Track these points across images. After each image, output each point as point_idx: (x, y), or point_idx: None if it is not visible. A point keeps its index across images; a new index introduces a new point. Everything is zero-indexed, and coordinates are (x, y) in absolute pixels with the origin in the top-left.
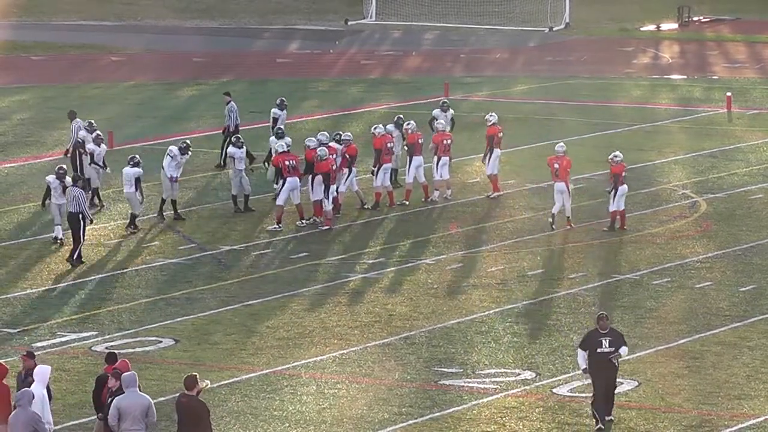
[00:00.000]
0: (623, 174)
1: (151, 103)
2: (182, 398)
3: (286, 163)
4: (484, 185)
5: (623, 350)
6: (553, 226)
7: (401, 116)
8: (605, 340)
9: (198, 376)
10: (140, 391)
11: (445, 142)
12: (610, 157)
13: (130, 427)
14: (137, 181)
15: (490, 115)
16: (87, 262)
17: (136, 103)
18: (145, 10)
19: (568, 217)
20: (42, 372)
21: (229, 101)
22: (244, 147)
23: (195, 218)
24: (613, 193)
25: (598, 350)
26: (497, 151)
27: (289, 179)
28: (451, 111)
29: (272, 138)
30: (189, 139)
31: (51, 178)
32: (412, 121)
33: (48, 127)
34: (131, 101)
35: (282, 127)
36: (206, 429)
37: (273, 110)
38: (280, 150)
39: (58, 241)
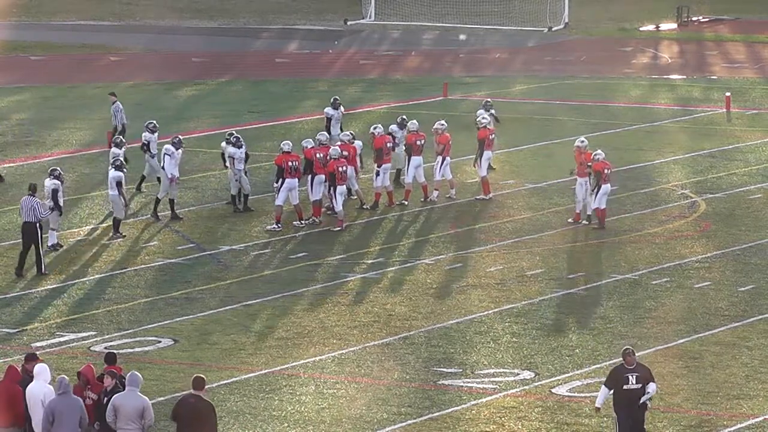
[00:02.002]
0: (605, 171)
1: (150, 103)
2: (190, 398)
3: (289, 164)
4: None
5: (651, 387)
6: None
7: (404, 116)
8: (632, 376)
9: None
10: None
11: (450, 142)
12: (592, 155)
13: (124, 426)
14: (118, 185)
15: (482, 118)
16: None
17: (135, 103)
18: (145, 10)
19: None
20: (43, 370)
21: (115, 101)
22: (244, 147)
23: (194, 218)
24: (596, 190)
25: (624, 387)
26: (488, 153)
27: (288, 179)
28: (493, 110)
29: (223, 143)
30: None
31: (51, 181)
32: (414, 121)
33: (47, 127)
34: (131, 101)
35: (235, 133)
36: (212, 429)
37: (326, 109)
38: (286, 149)
39: (55, 247)
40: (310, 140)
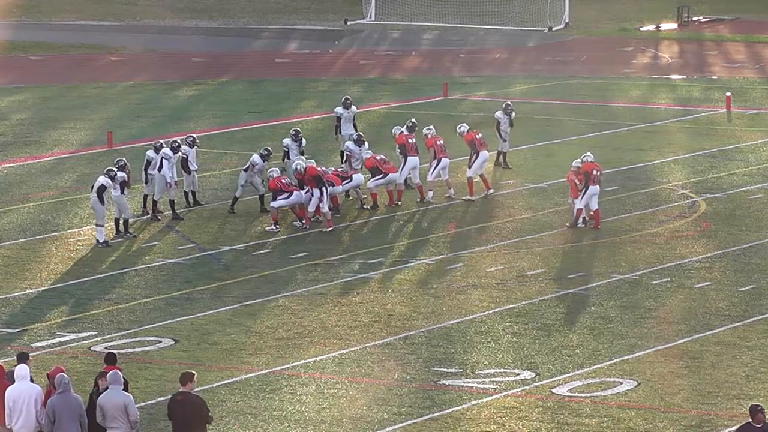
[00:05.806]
0: (594, 173)
1: (150, 102)
2: (177, 397)
3: (283, 181)
4: (483, 186)
5: None
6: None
7: (414, 120)
8: None
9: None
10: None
11: (438, 142)
12: (581, 157)
13: (111, 424)
14: (122, 184)
15: (459, 126)
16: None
17: (135, 102)
18: (145, 10)
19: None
20: (24, 371)
21: None
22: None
23: (194, 218)
24: (582, 191)
25: None
26: (485, 154)
27: (295, 193)
28: (513, 113)
29: (149, 151)
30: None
31: (104, 179)
32: (398, 126)
33: (47, 127)
34: (131, 101)
35: (164, 141)
36: (202, 424)
37: (336, 108)
38: (275, 175)
39: (104, 244)
40: (276, 169)
